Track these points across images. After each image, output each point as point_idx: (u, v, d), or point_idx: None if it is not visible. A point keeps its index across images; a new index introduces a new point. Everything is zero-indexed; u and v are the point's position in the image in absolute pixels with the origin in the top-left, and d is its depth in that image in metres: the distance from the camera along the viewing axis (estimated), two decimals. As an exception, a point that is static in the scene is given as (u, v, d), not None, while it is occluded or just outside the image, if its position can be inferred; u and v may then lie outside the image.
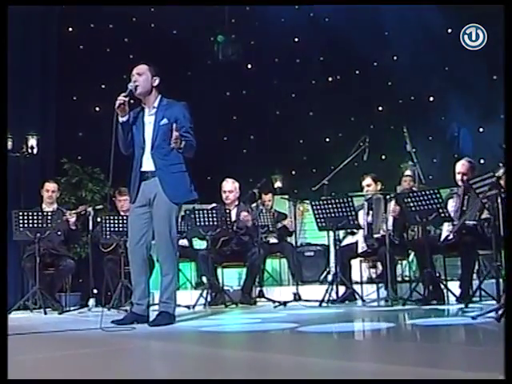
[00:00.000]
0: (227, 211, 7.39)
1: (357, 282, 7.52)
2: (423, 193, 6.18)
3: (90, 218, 7.03)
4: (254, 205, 7.84)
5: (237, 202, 7.90)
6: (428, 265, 6.18)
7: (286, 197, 10.66)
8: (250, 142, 11.67)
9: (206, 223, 7.22)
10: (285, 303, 6.89)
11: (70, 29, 10.24)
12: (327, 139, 11.50)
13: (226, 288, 7.91)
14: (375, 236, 7.05)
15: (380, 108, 11.22)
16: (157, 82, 5.14)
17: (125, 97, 4.92)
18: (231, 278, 8.91)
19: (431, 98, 10.77)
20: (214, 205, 9.15)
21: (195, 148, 5.09)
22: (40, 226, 6.96)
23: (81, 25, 10.29)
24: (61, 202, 8.62)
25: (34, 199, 7.90)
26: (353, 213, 6.72)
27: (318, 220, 6.93)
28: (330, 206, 6.80)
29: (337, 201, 6.79)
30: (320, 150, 11.25)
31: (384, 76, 10.96)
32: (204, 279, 8.22)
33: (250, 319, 5.75)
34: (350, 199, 6.77)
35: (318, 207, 6.90)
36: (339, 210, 6.75)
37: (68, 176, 8.93)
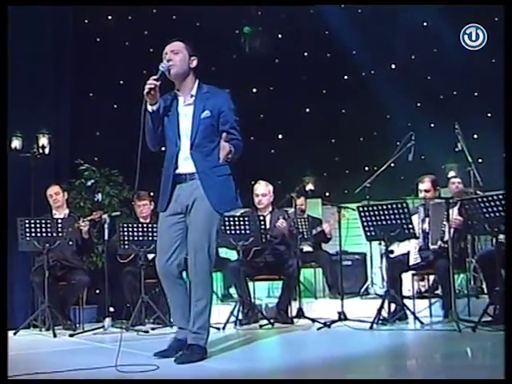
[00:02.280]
0: (261, 218, 6.30)
1: (407, 297, 6.40)
2: (494, 197, 5.06)
3: (106, 225, 5.95)
4: (291, 210, 6.72)
5: (271, 208, 6.82)
6: (498, 281, 5.10)
7: (320, 200, 9.71)
8: (279, 141, 10.55)
9: (237, 232, 6.16)
10: (329, 324, 5.79)
11: (86, 21, 9.15)
12: (361, 138, 10.36)
13: (257, 303, 6.85)
14: (432, 247, 5.94)
15: (418, 104, 10.06)
16: (195, 62, 4.14)
17: (156, 80, 3.90)
18: (260, 289, 7.82)
19: (475, 94, 9.61)
20: (244, 210, 8.13)
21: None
22: (49, 235, 5.93)
23: (97, 17, 9.22)
24: (75, 207, 7.61)
25: (45, 204, 6.85)
26: (408, 220, 5.60)
27: (367, 228, 5.82)
28: (381, 212, 5.69)
29: (389, 206, 5.67)
30: (353, 150, 10.13)
31: (423, 70, 9.84)
32: (232, 291, 7.16)
33: (293, 347, 4.71)
34: (405, 204, 5.65)
35: (367, 213, 5.79)
36: (392, 216, 5.64)
37: (83, 178, 7.87)
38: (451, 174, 9.14)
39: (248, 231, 6.14)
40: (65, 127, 8.27)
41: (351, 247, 8.57)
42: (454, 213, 5.66)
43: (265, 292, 8.45)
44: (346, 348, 4.84)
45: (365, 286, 7.84)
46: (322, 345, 5.15)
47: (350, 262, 8.23)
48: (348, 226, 7.31)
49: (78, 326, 6.40)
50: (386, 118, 10.06)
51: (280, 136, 10.57)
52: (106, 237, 5.98)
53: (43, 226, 5.89)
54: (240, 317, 6.18)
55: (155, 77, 3.89)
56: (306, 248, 8.05)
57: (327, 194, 10.18)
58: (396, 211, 5.62)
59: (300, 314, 6.17)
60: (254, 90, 10.59)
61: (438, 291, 6.72)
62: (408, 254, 6.12)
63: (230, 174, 4.12)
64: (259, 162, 10.05)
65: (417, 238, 5.86)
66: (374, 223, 5.74)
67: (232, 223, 6.13)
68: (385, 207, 5.68)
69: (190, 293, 4.06)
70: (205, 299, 4.00)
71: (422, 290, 6.92)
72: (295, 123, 10.27)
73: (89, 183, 7.81)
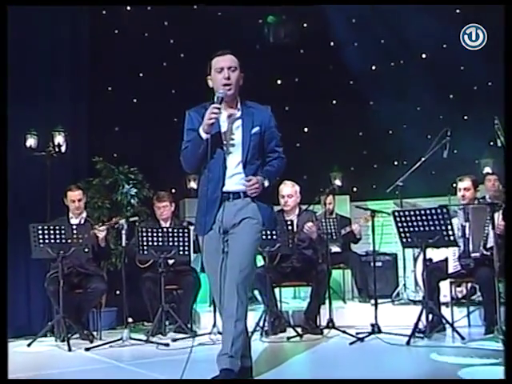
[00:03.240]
0: (288, 222, 5.83)
1: (444, 303, 5.91)
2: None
3: (123, 231, 5.53)
4: (319, 212, 6.22)
5: (297, 209, 6.35)
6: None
7: (348, 197, 9.23)
8: (304, 135, 10.03)
9: (263, 237, 5.68)
10: (362, 338, 5.33)
11: (104, 12, 8.69)
12: (390, 131, 9.79)
13: (284, 308, 6.41)
14: (473, 255, 5.44)
15: (451, 96, 9.48)
16: (242, 79, 3.84)
17: (219, 108, 3.61)
18: (286, 291, 7.34)
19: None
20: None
21: None
22: (63, 241, 5.52)
23: (115, 7, 8.74)
24: (93, 207, 7.21)
25: (62, 205, 6.43)
26: (448, 227, 5.10)
27: (403, 235, 5.34)
28: (419, 217, 5.19)
29: (428, 211, 5.17)
30: (382, 144, 9.58)
31: (455, 60, 9.23)
32: (256, 293, 6.72)
33: (323, 364, 4.27)
34: (445, 210, 5.15)
35: (403, 219, 5.30)
36: (431, 222, 5.15)
37: (101, 177, 7.45)
38: (487, 169, 8.61)
39: (275, 236, 5.68)
40: (82, 123, 7.85)
41: (381, 247, 8.09)
42: (499, 217, 5.15)
43: (290, 293, 8.02)
44: (381, 367, 4.42)
45: (397, 291, 7.35)
46: (355, 363, 4.70)
47: (380, 264, 7.75)
48: (382, 225, 6.84)
49: (95, 334, 6.01)
50: (416, 110, 9.52)
51: (306, 129, 10.06)
52: (124, 243, 5.55)
53: (57, 232, 5.49)
54: (266, 326, 5.75)
55: (218, 105, 3.60)
56: (335, 249, 7.58)
57: (355, 189, 9.69)
58: (435, 217, 5.12)
59: (331, 325, 5.70)
60: (279, 82, 10.06)
61: (475, 296, 6.26)
62: (446, 260, 5.63)
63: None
64: (284, 155, 9.58)
65: (457, 245, 5.36)
66: (411, 229, 5.26)
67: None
68: (423, 212, 5.19)
69: (226, 312, 3.68)
70: (244, 320, 3.69)
71: (459, 296, 6.41)
72: (321, 116, 9.73)
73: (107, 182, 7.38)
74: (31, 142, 6.86)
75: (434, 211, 5.14)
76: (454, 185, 8.94)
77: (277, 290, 6.20)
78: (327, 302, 5.91)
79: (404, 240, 5.35)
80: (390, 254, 7.93)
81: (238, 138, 3.72)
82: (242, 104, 3.81)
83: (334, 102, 10.01)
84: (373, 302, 5.98)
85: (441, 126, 9.02)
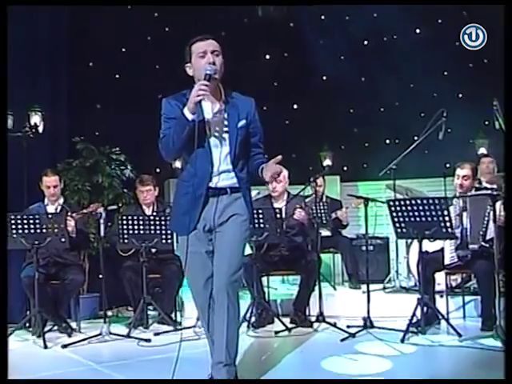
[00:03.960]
0: (277, 210, 5.46)
1: (438, 292, 5.60)
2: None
3: (102, 220, 5.15)
4: (308, 199, 5.84)
5: (286, 195, 5.99)
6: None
7: (338, 177, 8.88)
8: (293, 111, 9.62)
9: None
10: (354, 334, 5.02)
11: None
12: (382, 109, 9.40)
13: (272, 296, 6.08)
14: (471, 247, 5.12)
15: (445, 73, 9.08)
16: (223, 68, 3.46)
17: (207, 85, 3.22)
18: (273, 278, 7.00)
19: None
20: (256, 193, 7.31)
21: None
22: (38, 231, 5.12)
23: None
24: (72, 190, 6.82)
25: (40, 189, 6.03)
26: (446, 218, 4.76)
27: (398, 225, 5.00)
28: (416, 207, 4.85)
29: (425, 201, 4.83)
30: (373, 122, 9.21)
31: (451, 35, 8.79)
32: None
33: (313, 362, 3.97)
34: (443, 200, 4.81)
35: (398, 208, 4.95)
36: (428, 213, 4.81)
37: (81, 158, 7.03)
38: (482, 150, 8.28)
39: (262, 225, 5.34)
40: (61, 101, 7.41)
41: (374, 229, 7.80)
42: (500, 208, 4.81)
43: (279, 278, 7.67)
44: (374, 367, 4.11)
45: (389, 277, 7.04)
46: (346, 364, 4.38)
47: (371, 248, 7.40)
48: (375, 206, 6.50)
49: (75, 325, 5.67)
50: (409, 88, 9.12)
51: (295, 106, 9.64)
52: (102, 232, 5.18)
53: (31, 222, 5.09)
54: (253, 319, 5.44)
55: (206, 82, 3.22)
56: (325, 233, 7.24)
57: (345, 168, 9.33)
58: (432, 207, 4.78)
59: (321, 318, 5.38)
60: (267, 57, 9.63)
61: (469, 284, 5.96)
62: (442, 251, 5.30)
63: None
64: (272, 133, 9.16)
65: (455, 238, 5.03)
66: (407, 220, 4.92)
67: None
68: (419, 202, 4.85)
69: (216, 317, 3.41)
70: (236, 324, 3.42)
71: (454, 284, 6.10)
72: (311, 92, 9.33)
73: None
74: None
75: (431, 201, 4.80)
76: (448, 165, 8.70)
77: (265, 279, 5.89)
78: (317, 290, 5.57)
79: (399, 230, 5.01)
80: (381, 238, 7.60)
81: (225, 131, 3.39)
82: (226, 95, 3.45)
83: (325, 77, 9.58)
84: (364, 289, 5.68)
85: (435, 104, 8.67)
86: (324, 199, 7.35)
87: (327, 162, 8.87)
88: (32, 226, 5.08)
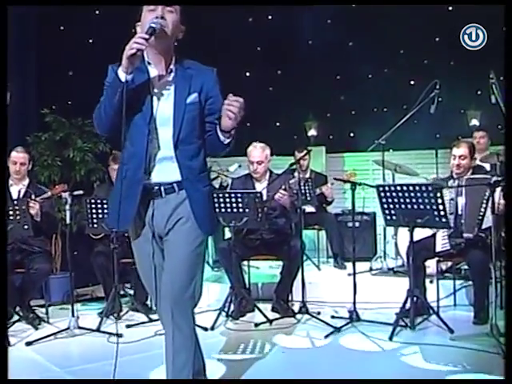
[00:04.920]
0: (257, 195, 5.00)
1: (429, 276, 5.21)
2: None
3: (67, 207, 4.68)
4: (292, 181, 5.37)
5: (268, 175, 5.53)
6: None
7: (324, 148, 8.41)
8: (277, 77, 9.05)
9: (229, 210, 4.90)
10: (339, 328, 4.64)
11: None
12: (369, 75, 8.86)
13: (252, 279, 5.68)
14: (466, 235, 4.72)
15: (437, 39, 8.53)
16: (181, 34, 2.86)
17: (146, 40, 2.58)
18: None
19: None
20: (235, 166, 6.86)
21: None
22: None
23: None
24: (42, 165, 6.34)
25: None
26: (440, 207, 4.34)
27: (387, 211, 4.58)
28: (407, 193, 4.43)
29: (417, 188, 4.40)
30: (360, 89, 8.67)
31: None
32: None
33: (293, 362, 3.60)
34: (436, 186, 4.38)
35: (388, 194, 4.53)
36: (420, 200, 4.39)
37: (51, 131, 6.51)
38: (474, 122, 7.83)
39: (241, 209, 4.89)
40: (30, 69, 6.88)
41: (358, 204, 7.40)
42: (499, 195, 4.40)
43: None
44: (359, 369, 3.76)
45: (376, 257, 6.66)
46: (330, 361, 4.03)
47: (357, 224, 7.00)
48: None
49: (44, 315, 5.26)
50: (398, 53, 8.57)
51: (279, 72, 9.08)
52: (68, 219, 4.71)
53: (-11, 208, 4.61)
54: (232, 307, 5.06)
55: (145, 35, 2.59)
56: (309, 209, 6.83)
57: (331, 137, 8.85)
58: (425, 194, 4.36)
59: (304, 310, 4.99)
60: (250, 19, 9.02)
61: (460, 266, 5.59)
62: (434, 237, 4.90)
63: (211, 183, 3.02)
64: (256, 100, 8.65)
65: (449, 227, 4.62)
66: (397, 206, 4.50)
67: (222, 200, 4.88)
68: (411, 188, 4.42)
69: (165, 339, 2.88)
70: (187, 350, 2.83)
71: (444, 267, 5.72)
72: (296, 57, 8.77)
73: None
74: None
75: (424, 188, 4.38)
76: (438, 135, 8.27)
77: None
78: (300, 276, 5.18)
79: (388, 218, 4.60)
80: (367, 214, 7.21)
81: (169, 107, 2.77)
82: (179, 64, 2.84)
83: (310, 42, 8.97)
84: (349, 270, 5.25)
85: (425, 72, 8.21)
86: (308, 174, 6.92)
87: (312, 133, 8.41)
88: (-10, 212, 4.60)
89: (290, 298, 5.35)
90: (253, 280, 5.69)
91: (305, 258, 6.54)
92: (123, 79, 2.61)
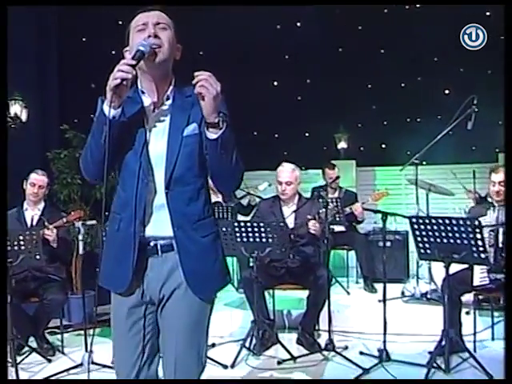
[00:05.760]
0: (283, 225, 4.63)
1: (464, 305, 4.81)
2: None
3: (80, 237, 4.41)
4: (322, 210, 4.95)
5: (297, 198, 5.18)
6: None
7: (354, 162, 8.04)
8: (306, 86, 8.71)
9: (251, 239, 4.57)
10: (368, 370, 4.29)
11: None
12: (402, 84, 8.48)
13: (278, 305, 5.35)
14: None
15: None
16: (179, 53, 2.39)
17: (133, 66, 2.14)
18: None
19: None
20: (265, 185, 6.57)
21: None
22: (9, 248, 4.37)
23: None
24: (61, 183, 6.10)
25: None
26: (479, 242, 3.94)
27: (421, 245, 4.20)
28: (443, 226, 4.04)
29: (454, 222, 4.01)
30: (393, 98, 8.30)
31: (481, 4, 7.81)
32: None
33: None
34: (477, 222, 3.98)
35: (422, 227, 4.15)
36: (457, 235, 4.00)
37: (71, 148, 6.27)
38: None
39: (264, 239, 4.56)
40: (52, 82, 6.64)
41: (389, 220, 7.03)
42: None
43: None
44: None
45: (408, 282, 6.29)
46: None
47: (388, 244, 6.66)
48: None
49: (59, 343, 5.01)
50: (433, 61, 8.16)
51: (308, 80, 8.73)
52: (81, 250, 4.44)
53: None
54: (254, 341, 4.73)
55: (131, 61, 2.14)
56: (338, 228, 6.48)
57: (362, 148, 8.48)
58: (463, 228, 3.97)
59: (330, 347, 4.64)
60: (278, 27, 8.68)
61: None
62: (471, 269, 4.51)
63: (216, 230, 2.43)
64: (284, 111, 8.36)
65: (489, 264, 4.23)
66: (431, 240, 4.12)
67: (244, 229, 4.55)
68: (447, 222, 4.03)
69: None
70: None
71: (480, 297, 5.31)
72: (326, 65, 8.42)
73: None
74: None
75: (461, 222, 3.99)
76: (474, 148, 7.85)
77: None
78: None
79: (422, 251, 4.22)
80: (399, 233, 6.83)
81: (163, 141, 2.31)
82: (177, 90, 2.37)
83: (340, 49, 8.64)
84: (380, 294, 4.87)
85: (461, 80, 7.79)
86: (337, 193, 6.58)
87: (342, 145, 8.05)
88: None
89: (316, 328, 5.02)
90: (278, 306, 5.38)
91: (333, 281, 6.27)
92: (109, 114, 2.17)
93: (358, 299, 6.08)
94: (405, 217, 4.58)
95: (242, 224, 4.56)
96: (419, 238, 4.20)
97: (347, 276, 6.80)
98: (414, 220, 4.19)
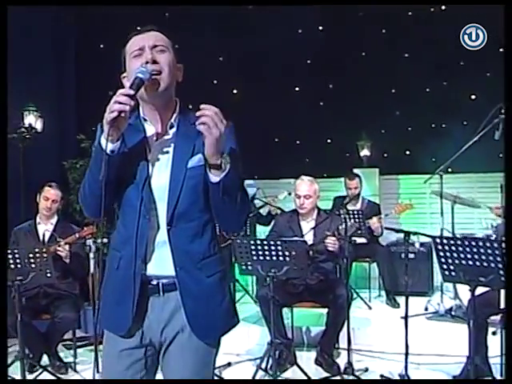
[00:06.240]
0: (301, 242, 4.45)
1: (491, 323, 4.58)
2: None
3: (92, 254, 4.26)
4: (342, 227, 4.73)
5: (315, 212, 4.98)
6: None
7: (377, 170, 7.80)
8: (328, 91, 8.48)
9: (267, 257, 4.38)
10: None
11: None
12: (427, 89, 8.20)
13: (296, 321, 5.16)
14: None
15: (501, 49, 7.77)
16: (180, 74, 2.21)
17: (131, 96, 1.96)
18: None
19: None
20: (285, 194, 6.39)
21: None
22: (19, 266, 4.25)
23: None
24: (77, 194, 5.95)
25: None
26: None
27: (445, 266, 3.96)
28: (468, 248, 3.81)
29: (481, 244, 3.77)
30: (417, 103, 8.03)
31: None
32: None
33: None
34: (504, 244, 3.75)
35: (447, 248, 3.92)
36: (484, 257, 3.76)
37: (87, 158, 6.14)
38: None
39: (281, 257, 4.36)
40: (70, 90, 6.52)
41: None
42: None
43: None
44: None
45: (432, 296, 6.05)
46: None
47: (412, 255, 6.43)
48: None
49: (72, 362, 4.88)
50: (458, 65, 7.88)
51: (330, 85, 8.50)
52: (92, 269, 4.30)
53: (10, 257, 4.22)
54: (270, 361, 4.54)
55: (129, 90, 1.96)
56: (360, 240, 6.25)
57: (385, 155, 8.22)
58: (490, 251, 3.73)
59: (349, 371, 4.43)
60: (300, 31, 8.45)
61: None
62: (498, 293, 4.27)
63: (223, 268, 2.23)
64: (306, 116, 8.15)
65: (519, 288, 3.98)
66: (456, 261, 3.88)
67: (260, 247, 4.36)
68: (473, 243, 3.80)
69: None
70: None
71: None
72: (349, 69, 8.18)
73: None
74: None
75: (489, 244, 3.75)
76: (501, 155, 7.54)
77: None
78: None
79: (446, 273, 3.97)
80: (424, 244, 6.58)
81: (166, 174, 2.12)
82: (182, 117, 2.18)
83: (364, 53, 8.39)
84: (402, 312, 4.63)
85: (487, 85, 7.49)
86: (359, 204, 6.36)
87: (365, 153, 7.81)
88: (12, 261, 4.23)
89: (336, 346, 4.83)
90: (297, 322, 5.20)
91: (354, 295, 6.06)
92: (106, 148, 2.01)
93: (379, 314, 5.86)
94: (428, 236, 4.35)
95: (259, 242, 4.36)
96: (443, 259, 3.96)
97: (369, 288, 6.58)
98: (437, 240, 3.96)
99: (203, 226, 2.15)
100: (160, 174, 2.12)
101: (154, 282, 2.13)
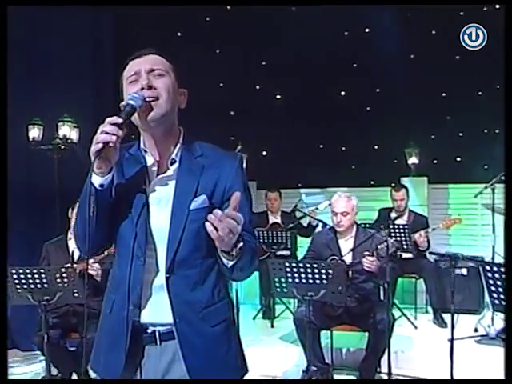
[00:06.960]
0: (340, 262, 4.17)
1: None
2: None
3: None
4: (382, 246, 4.42)
5: (354, 229, 4.68)
6: None
7: (426, 179, 7.40)
8: (375, 96, 8.10)
9: (303, 280, 4.10)
10: None
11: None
12: (479, 92, 7.76)
13: (336, 342, 4.87)
14: None
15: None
16: (184, 99, 2.02)
17: (120, 125, 1.77)
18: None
19: None
20: (326, 204, 6.15)
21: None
22: (46, 286, 4.08)
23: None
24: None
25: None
26: None
27: (495, 295, 3.62)
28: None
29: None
30: (469, 107, 7.59)
31: None
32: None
33: None
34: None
35: (497, 276, 3.56)
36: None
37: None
38: None
39: (318, 280, 4.07)
40: (107, 99, 6.36)
41: (460, 248, 6.43)
42: None
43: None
44: None
45: (483, 315, 5.66)
46: None
47: (464, 272, 6.04)
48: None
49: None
50: (513, 67, 7.39)
51: (378, 90, 8.13)
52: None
53: (36, 276, 4.07)
54: None
55: (117, 119, 1.78)
56: (406, 254, 5.92)
57: (435, 161, 7.81)
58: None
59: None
60: (346, 33, 8.10)
61: None
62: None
63: (230, 315, 2.01)
64: (352, 122, 7.82)
65: None
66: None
67: (296, 270, 4.08)
68: (527, 272, 3.43)
69: None
70: None
71: None
72: (396, 73, 7.77)
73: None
74: (34, 133, 5.47)
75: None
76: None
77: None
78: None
79: (497, 302, 3.63)
80: (475, 260, 6.17)
81: (166, 216, 1.92)
82: (186, 149, 1.98)
83: (412, 56, 8.00)
84: (449, 333, 4.29)
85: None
86: (406, 217, 6.01)
87: (413, 160, 7.41)
88: (38, 281, 4.07)
89: (378, 370, 4.52)
90: (336, 343, 4.89)
91: (399, 313, 5.74)
92: (97, 184, 1.83)
93: (425, 335, 5.50)
94: (475, 261, 4.00)
95: (294, 264, 4.09)
96: (493, 288, 3.60)
97: (415, 303, 6.21)
98: (487, 267, 3.61)
99: (205, 272, 1.96)
100: (160, 212, 1.94)
101: (150, 330, 1.95)
